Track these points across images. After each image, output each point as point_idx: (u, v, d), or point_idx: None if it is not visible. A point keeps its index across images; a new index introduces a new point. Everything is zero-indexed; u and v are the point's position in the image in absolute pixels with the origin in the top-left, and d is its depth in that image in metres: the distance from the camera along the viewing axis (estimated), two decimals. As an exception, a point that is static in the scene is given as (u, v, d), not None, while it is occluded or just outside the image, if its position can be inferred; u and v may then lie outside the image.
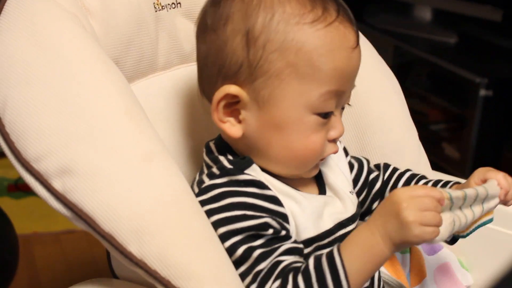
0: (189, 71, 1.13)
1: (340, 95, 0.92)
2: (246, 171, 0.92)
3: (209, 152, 0.98)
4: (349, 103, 0.97)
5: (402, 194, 0.83)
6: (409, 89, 2.79)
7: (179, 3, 1.11)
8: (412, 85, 2.80)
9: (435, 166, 2.55)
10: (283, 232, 0.90)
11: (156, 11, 1.07)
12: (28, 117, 0.85)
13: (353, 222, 1.00)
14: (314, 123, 0.91)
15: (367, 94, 1.18)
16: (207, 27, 0.94)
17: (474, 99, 2.46)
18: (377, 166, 1.14)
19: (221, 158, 0.95)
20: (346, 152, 1.11)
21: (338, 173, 1.03)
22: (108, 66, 0.90)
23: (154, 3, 1.07)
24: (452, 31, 2.83)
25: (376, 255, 0.85)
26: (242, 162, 0.93)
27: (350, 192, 1.03)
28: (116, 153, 0.85)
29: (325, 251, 0.88)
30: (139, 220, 0.83)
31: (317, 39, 0.89)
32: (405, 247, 0.87)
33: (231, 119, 0.93)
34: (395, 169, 1.13)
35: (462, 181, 1.04)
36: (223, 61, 0.91)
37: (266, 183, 0.92)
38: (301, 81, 0.89)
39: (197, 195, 0.91)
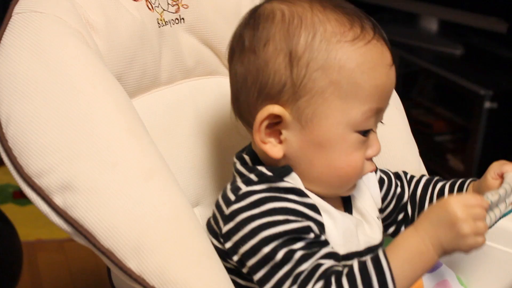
0: (192, 85, 1.14)
1: (379, 112, 0.93)
2: (285, 179, 0.91)
3: (244, 163, 0.96)
4: (382, 121, 0.97)
5: (456, 204, 0.84)
6: (414, 99, 2.80)
7: (183, 18, 1.12)
8: (417, 96, 2.81)
9: (439, 178, 2.55)
10: (323, 237, 0.89)
11: (159, 26, 1.08)
12: (31, 132, 0.86)
13: (381, 248, 0.98)
14: (356, 141, 0.91)
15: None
16: (245, 48, 0.92)
17: (479, 111, 2.46)
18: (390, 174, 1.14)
19: (259, 167, 0.93)
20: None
21: (367, 197, 1.03)
22: (111, 83, 0.91)
23: (157, 19, 1.08)
24: (458, 43, 2.83)
25: (425, 261, 0.85)
26: (282, 169, 0.92)
27: (378, 217, 1.02)
28: (117, 170, 0.86)
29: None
30: (139, 237, 0.84)
31: (359, 57, 0.89)
32: (451, 251, 0.87)
33: (272, 140, 0.92)
34: (412, 177, 1.13)
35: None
36: (264, 81, 0.91)
37: (305, 191, 0.91)
38: (344, 99, 0.89)
39: (234, 202, 0.89)
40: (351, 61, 0.89)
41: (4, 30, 0.92)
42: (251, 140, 0.97)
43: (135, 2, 1.06)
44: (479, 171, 2.49)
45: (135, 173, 0.86)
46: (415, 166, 1.21)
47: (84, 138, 0.86)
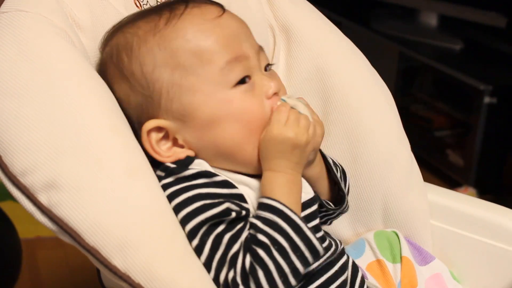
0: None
1: (242, 59, 0.94)
2: (190, 167, 0.93)
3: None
4: (272, 62, 1.03)
5: (272, 129, 0.92)
6: (414, 95, 2.79)
7: (170, 15, 1.12)
8: (417, 91, 2.80)
9: (439, 173, 2.56)
10: (244, 212, 0.90)
11: (146, 24, 1.08)
12: (15, 131, 0.86)
13: (315, 202, 1.01)
14: (238, 94, 0.93)
15: (359, 105, 1.18)
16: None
17: (479, 106, 2.46)
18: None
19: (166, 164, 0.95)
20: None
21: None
22: (96, 81, 0.91)
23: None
24: (457, 38, 2.83)
25: (297, 184, 0.93)
26: (184, 160, 0.94)
27: None
28: (101, 167, 0.86)
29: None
30: (123, 234, 0.84)
31: (179, 32, 0.93)
32: (308, 158, 0.95)
33: (176, 149, 0.95)
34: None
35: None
36: (129, 113, 0.95)
37: (213, 171, 0.93)
38: (195, 73, 0.92)
39: None
40: (173, 40, 0.92)
41: (-10, 30, 0.92)
42: None
43: (122, -1, 1.06)
44: (479, 166, 2.50)
45: (119, 171, 0.86)
46: (406, 161, 1.20)
47: (68, 136, 0.86)
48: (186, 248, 0.87)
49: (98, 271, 1.04)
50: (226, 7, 1.14)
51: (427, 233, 1.19)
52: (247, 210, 0.91)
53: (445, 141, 2.68)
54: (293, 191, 0.92)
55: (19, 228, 1.86)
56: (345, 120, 1.18)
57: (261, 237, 0.86)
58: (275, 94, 0.96)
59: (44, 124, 0.86)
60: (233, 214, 0.89)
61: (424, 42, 2.85)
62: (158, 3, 1.07)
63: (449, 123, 2.70)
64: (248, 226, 0.90)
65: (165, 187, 0.91)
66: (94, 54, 1.00)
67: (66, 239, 0.86)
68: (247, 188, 0.94)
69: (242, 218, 0.90)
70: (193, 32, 0.93)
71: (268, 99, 0.95)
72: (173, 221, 0.88)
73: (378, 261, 1.14)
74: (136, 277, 0.84)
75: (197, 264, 0.87)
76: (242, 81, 0.94)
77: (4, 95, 0.87)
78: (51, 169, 0.85)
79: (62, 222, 0.85)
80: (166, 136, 0.95)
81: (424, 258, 1.18)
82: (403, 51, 2.77)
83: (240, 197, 0.92)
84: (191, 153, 0.95)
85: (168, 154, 0.94)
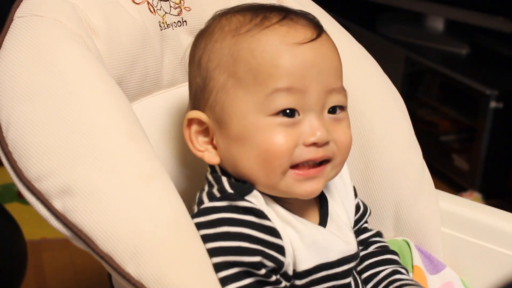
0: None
1: (295, 92, 0.89)
2: (246, 197, 0.90)
3: (213, 170, 0.97)
4: (345, 105, 0.95)
5: None
6: (420, 99, 2.79)
7: (185, 21, 1.12)
8: (423, 96, 2.80)
9: (444, 177, 2.56)
10: (273, 278, 0.89)
11: (161, 29, 1.08)
12: (31, 136, 0.86)
13: (355, 259, 0.99)
14: (272, 125, 0.89)
15: (371, 113, 1.18)
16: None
17: (484, 111, 2.46)
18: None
19: (224, 179, 0.94)
20: (355, 193, 1.09)
21: (343, 209, 1.02)
22: (111, 87, 0.91)
23: (159, 21, 1.08)
24: (464, 42, 2.82)
25: None
26: (244, 187, 0.92)
27: (351, 229, 1.02)
28: (116, 174, 0.86)
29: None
30: (137, 241, 0.84)
31: (251, 44, 0.91)
32: None
33: (209, 147, 0.95)
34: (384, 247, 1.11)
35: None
36: (190, 93, 0.98)
37: (267, 211, 0.90)
38: (245, 88, 0.90)
39: (195, 216, 0.90)
40: (243, 50, 0.91)
41: (5, 34, 0.92)
42: None
43: (136, 5, 1.06)
44: (485, 171, 2.49)
45: (134, 177, 0.86)
46: (418, 168, 1.20)
47: (83, 142, 0.86)
48: (200, 257, 0.87)
49: (109, 275, 1.03)
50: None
51: (438, 241, 1.19)
52: (281, 264, 0.90)
53: (450, 146, 2.68)
54: None
55: (24, 229, 1.86)
56: (356, 126, 1.18)
57: None
58: (315, 144, 0.90)
59: (60, 130, 0.86)
60: (263, 271, 0.88)
61: (431, 47, 2.85)
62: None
63: (455, 128, 2.69)
64: None
65: (214, 210, 0.89)
66: (109, 59, 0.99)
67: (80, 245, 0.86)
68: (293, 232, 0.92)
69: (270, 283, 0.89)
70: (261, 52, 0.90)
71: (304, 145, 0.90)
72: (189, 228, 0.88)
73: None
74: (150, 284, 0.84)
75: (212, 273, 0.87)
76: (287, 114, 0.90)
77: (20, 100, 0.88)
78: (66, 174, 0.85)
79: (76, 228, 0.85)
80: (206, 132, 0.95)
81: (435, 266, 1.18)
82: (409, 56, 2.77)
83: (280, 249, 0.90)
84: (216, 159, 0.94)
85: (201, 148, 0.95)
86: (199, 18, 1.13)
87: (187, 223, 0.88)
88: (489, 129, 2.47)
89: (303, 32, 0.91)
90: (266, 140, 0.89)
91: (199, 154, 0.95)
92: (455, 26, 2.92)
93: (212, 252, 0.88)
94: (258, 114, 0.90)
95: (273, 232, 0.89)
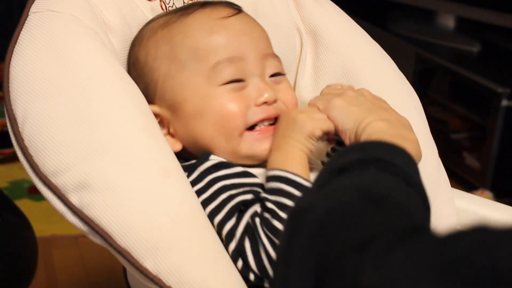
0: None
1: (236, 61, 0.97)
2: (210, 158, 0.95)
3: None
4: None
5: (288, 110, 0.96)
6: (430, 97, 2.78)
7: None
8: (434, 93, 2.79)
9: (455, 176, 2.55)
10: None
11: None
12: (47, 131, 0.86)
13: None
14: (224, 93, 0.96)
15: (387, 111, 1.17)
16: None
17: (496, 109, 2.44)
18: None
19: (182, 161, 0.98)
20: None
21: None
22: (127, 82, 0.91)
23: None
24: (475, 40, 2.81)
25: (292, 159, 0.92)
26: (203, 154, 0.96)
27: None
28: (133, 168, 0.85)
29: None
30: (155, 236, 0.83)
31: (181, 28, 0.98)
32: (311, 141, 0.94)
33: (168, 137, 0.98)
34: None
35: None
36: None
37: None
38: (188, 67, 0.96)
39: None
40: (177, 35, 0.98)
41: (21, 30, 0.92)
42: None
43: (149, 2, 1.06)
44: (496, 169, 2.48)
45: (151, 172, 0.86)
46: (434, 166, 1.19)
47: (100, 136, 0.86)
48: (218, 251, 0.87)
49: (124, 271, 1.03)
50: (253, 9, 1.14)
51: (454, 239, 1.18)
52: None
53: (461, 144, 2.67)
54: (302, 166, 0.92)
55: (35, 226, 1.86)
56: (371, 123, 1.17)
57: (269, 204, 0.88)
58: (266, 103, 0.97)
59: (76, 124, 0.86)
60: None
61: (442, 44, 2.84)
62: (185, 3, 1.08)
63: (466, 126, 2.68)
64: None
65: (191, 184, 0.92)
66: (123, 55, 0.99)
67: (97, 240, 0.86)
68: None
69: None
70: (193, 30, 0.97)
71: (256, 106, 0.97)
72: (206, 223, 0.88)
73: None
74: (167, 279, 0.84)
75: (230, 267, 0.87)
76: (234, 81, 0.97)
77: (36, 95, 0.87)
78: (83, 169, 0.85)
79: (93, 223, 0.85)
80: (161, 123, 0.98)
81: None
82: (420, 53, 2.76)
83: (261, 186, 0.93)
84: (178, 145, 0.98)
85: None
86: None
87: (204, 217, 0.88)
88: (500, 127, 2.45)
89: (225, 9, 1.00)
90: (220, 107, 0.95)
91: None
92: (466, 24, 2.91)
93: (210, 216, 0.90)
94: (208, 86, 0.96)
95: (247, 174, 0.94)
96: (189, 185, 0.90)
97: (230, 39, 0.97)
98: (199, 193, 0.91)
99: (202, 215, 0.88)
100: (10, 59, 0.91)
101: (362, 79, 1.17)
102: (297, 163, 0.92)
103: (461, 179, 2.57)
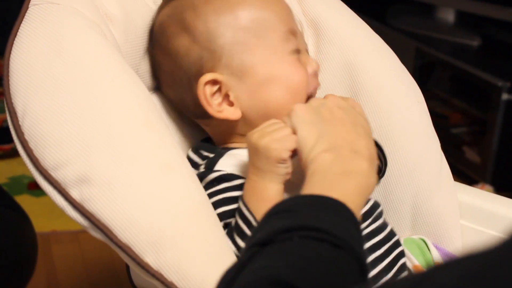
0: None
1: (294, 33, 1.01)
2: (215, 167, 0.97)
3: (194, 151, 1.04)
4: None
5: (249, 133, 0.91)
6: (430, 91, 2.77)
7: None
8: (434, 88, 2.78)
9: (455, 170, 2.53)
10: None
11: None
12: (47, 124, 0.85)
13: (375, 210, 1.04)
14: (292, 61, 0.99)
15: (389, 104, 1.16)
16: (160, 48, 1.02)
17: (496, 103, 2.44)
18: None
19: (196, 157, 1.01)
20: None
21: None
22: (129, 75, 0.90)
23: None
24: (475, 34, 2.81)
25: (260, 192, 0.90)
26: (212, 159, 0.98)
27: None
28: (134, 163, 0.85)
29: None
30: (157, 231, 0.83)
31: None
32: (272, 166, 0.89)
33: (225, 106, 0.98)
34: None
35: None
36: (186, 67, 0.99)
37: (239, 168, 0.97)
38: (258, 35, 0.98)
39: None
40: (239, 5, 0.99)
41: (20, 22, 0.91)
42: (204, 127, 1.06)
43: (152, -8, 1.05)
44: (496, 164, 2.48)
45: (153, 167, 0.85)
46: (437, 160, 1.19)
47: (101, 130, 0.85)
48: (221, 245, 0.86)
49: (127, 268, 1.02)
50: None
51: (457, 233, 1.17)
52: None
53: (461, 138, 2.66)
54: (254, 197, 0.90)
55: (34, 222, 1.85)
56: (374, 117, 1.16)
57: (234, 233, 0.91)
58: (314, 73, 1.02)
59: (77, 118, 0.85)
60: None
61: (441, 38, 2.83)
62: None
63: (466, 120, 2.68)
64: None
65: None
66: (125, 48, 0.98)
67: (98, 235, 0.85)
68: None
69: None
70: (257, 1, 1.00)
71: (310, 76, 1.01)
72: (209, 216, 0.87)
73: (416, 267, 1.12)
74: (169, 275, 0.83)
75: (232, 261, 0.86)
76: (293, 51, 1.00)
77: (37, 89, 0.87)
78: (84, 163, 0.84)
79: (94, 217, 0.84)
80: (218, 91, 0.98)
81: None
82: (420, 47, 2.75)
83: None
84: (238, 113, 0.98)
85: (219, 109, 0.98)
86: None
87: (207, 212, 0.87)
88: (500, 121, 2.45)
89: None
90: (294, 74, 0.99)
91: (220, 115, 0.98)
92: (466, 18, 2.90)
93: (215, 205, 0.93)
94: (278, 54, 0.99)
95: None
96: (192, 179, 0.89)
97: (286, 13, 1.03)
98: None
99: (205, 209, 0.87)
100: (10, 52, 0.90)
101: (364, 72, 1.16)
102: (259, 199, 0.90)
103: (462, 173, 2.56)
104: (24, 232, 1.82)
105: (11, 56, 0.89)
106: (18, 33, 0.90)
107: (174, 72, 1.00)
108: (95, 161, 0.84)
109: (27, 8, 0.92)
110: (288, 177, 0.90)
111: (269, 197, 0.89)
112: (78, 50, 0.88)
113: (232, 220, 0.91)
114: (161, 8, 1.04)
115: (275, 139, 0.88)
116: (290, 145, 0.88)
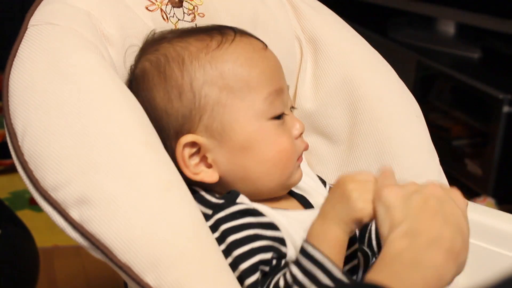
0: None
1: (280, 93, 0.97)
2: (237, 201, 0.93)
3: (193, 191, 0.97)
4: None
5: (347, 176, 0.87)
6: (431, 103, 2.78)
7: (197, 28, 1.11)
8: (435, 100, 2.79)
9: (457, 183, 2.53)
10: (282, 261, 0.90)
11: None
12: (47, 145, 0.86)
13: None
14: (274, 127, 0.96)
15: (388, 119, 1.17)
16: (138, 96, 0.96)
17: (497, 116, 2.44)
18: None
19: (207, 196, 0.95)
20: (324, 183, 1.11)
21: (320, 197, 1.03)
22: (127, 96, 0.91)
23: (172, 29, 1.07)
24: (475, 46, 2.81)
25: (332, 240, 0.85)
26: (231, 194, 0.94)
27: None
28: (134, 183, 0.85)
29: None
30: (156, 251, 0.83)
31: (231, 56, 0.96)
32: (357, 225, 0.86)
33: (203, 167, 0.96)
34: None
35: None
36: (167, 124, 0.95)
37: (260, 209, 0.93)
38: (241, 97, 0.95)
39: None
40: (226, 62, 0.95)
41: (20, 43, 0.92)
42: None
43: (150, 12, 1.05)
44: (498, 176, 2.47)
45: (152, 187, 0.85)
46: (435, 174, 1.19)
47: (100, 151, 0.85)
48: (220, 266, 0.86)
49: (125, 284, 1.03)
50: (253, 19, 1.15)
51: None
52: (284, 255, 0.91)
53: (463, 151, 2.66)
54: (324, 245, 0.86)
55: (36, 237, 1.86)
56: (373, 132, 1.17)
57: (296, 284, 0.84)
58: (300, 135, 0.99)
59: (76, 138, 0.85)
60: (274, 262, 0.89)
61: (442, 51, 2.83)
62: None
63: (467, 132, 2.68)
64: (284, 271, 0.88)
65: (220, 222, 0.90)
66: (122, 67, 0.99)
67: (97, 255, 0.85)
68: (290, 220, 0.94)
69: (279, 266, 0.90)
70: (244, 59, 0.96)
71: (295, 139, 0.98)
72: (208, 239, 0.87)
73: None
74: (169, 294, 0.83)
75: (231, 283, 0.86)
76: (277, 117, 0.97)
77: (35, 109, 0.87)
78: (83, 184, 0.84)
79: (94, 238, 0.84)
80: (196, 153, 0.95)
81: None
82: (421, 60, 2.76)
83: (282, 241, 0.91)
84: (215, 176, 0.95)
85: (195, 170, 0.95)
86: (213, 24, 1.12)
87: (206, 233, 0.87)
88: (502, 133, 2.45)
89: (258, 42, 1.00)
90: (277, 142, 0.96)
91: (196, 177, 0.95)
92: (466, 30, 2.91)
93: (234, 264, 0.88)
94: (259, 119, 0.95)
95: (272, 226, 0.91)
96: (190, 199, 0.89)
97: (273, 71, 0.99)
98: (228, 232, 0.90)
99: (203, 230, 0.87)
100: (9, 73, 0.91)
101: (362, 87, 1.17)
102: (334, 246, 0.85)
103: (463, 186, 2.56)
104: (26, 247, 1.83)
105: (10, 76, 0.90)
106: (17, 53, 0.91)
107: (154, 118, 0.96)
108: (94, 181, 0.84)
109: (26, 28, 0.93)
110: (351, 234, 0.88)
111: (338, 246, 0.86)
112: (77, 70, 0.88)
113: (280, 280, 0.86)
114: (144, 50, 1.01)
115: (365, 198, 0.85)
116: (371, 214, 0.84)
